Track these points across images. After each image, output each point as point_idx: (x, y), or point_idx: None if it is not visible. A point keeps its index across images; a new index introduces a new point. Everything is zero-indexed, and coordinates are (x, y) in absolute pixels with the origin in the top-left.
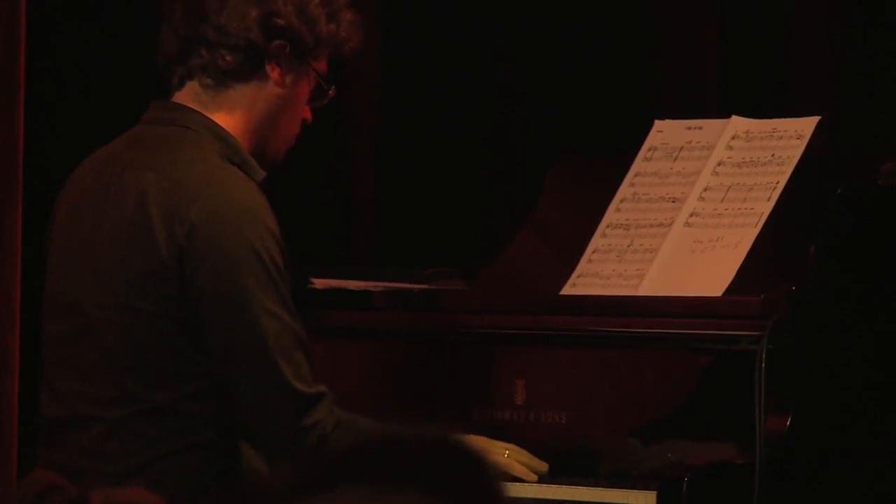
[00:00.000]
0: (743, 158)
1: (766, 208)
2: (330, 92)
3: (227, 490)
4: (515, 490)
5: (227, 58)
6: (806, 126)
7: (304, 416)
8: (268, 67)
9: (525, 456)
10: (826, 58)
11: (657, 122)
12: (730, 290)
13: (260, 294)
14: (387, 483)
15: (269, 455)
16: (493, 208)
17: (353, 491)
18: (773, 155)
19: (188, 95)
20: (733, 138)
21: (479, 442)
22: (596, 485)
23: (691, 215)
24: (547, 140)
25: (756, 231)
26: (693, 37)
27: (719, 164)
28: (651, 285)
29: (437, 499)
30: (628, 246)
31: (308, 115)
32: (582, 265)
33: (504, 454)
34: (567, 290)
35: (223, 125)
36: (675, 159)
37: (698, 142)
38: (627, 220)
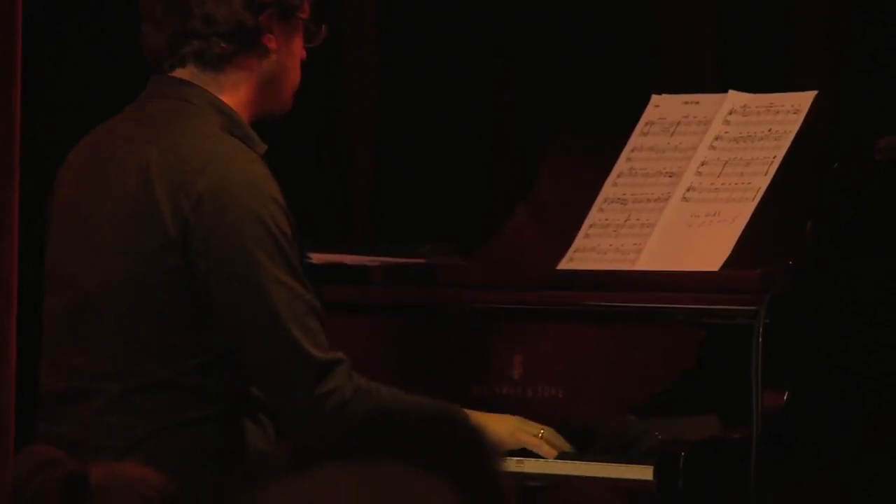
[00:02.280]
0: (740, 133)
1: (763, 183)
2: (321, 31)
3: (227, 465)
4: (512, 465)
5: (223, 45)
6: (803, 101)
7: (322, 383)
8: (264, 40)
9: (558, 439)
10: (825, 50)
11: (654, 97)
12: (727, 264)
13: (269, 264)
14: (375, 458)
15: (288, 424)
16: (490, 184)
17: (337, 468)
18: (770, 130)
19: (185, 74)
20: (730, 113)
21: (517, 421)
22: (593, 459)
23: (688, 190)
24: (544, 117)
25: (753, 206)
26: (692, 34)
27: (716, 138)
28: (648, 260)
29: (432, 475)
30: (625, 220)
31: (304, 54)
32: (579, 240)
33: (539, 433)
34: (564, 264)
35: (225, 99)
36: (672, 134)
37: (695, 116)
38: (624, 194)
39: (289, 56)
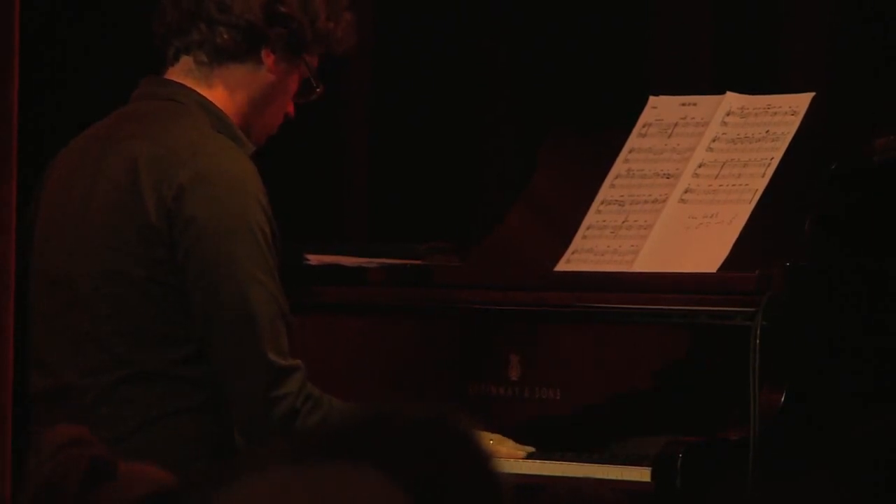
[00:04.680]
0: (738, 134)
1: (761, 184)
2: (318, 89)
3: (219, 453)
4: (508, 466)
5: (225, 35)
6: (800, 102)
7: (274, 388)
8: (263, 53)
9: (510, 444)
10: (822, 50)
11: (652, 99)
12: (724, 266)
13: (247, 261)
14: (327, 462)
15: (240, 422)
16: (486, 183)
17: (285, 472)
18: (767, 131)
19: (181, 71)
20: (728, 114)
21: None
22: (590, 461)
23: (686, 191)
24: (539, 116)
25: (751, 207)
26: (687, 33)
27: (714, 140)
28: (645, 261)
29: (387, 478)
30: (623, 222)
31: (291, 109)
32: (576, 241)
33: (488, 443)
34: (562, 266)
35: (216, 101)
36: (670, 135)
37: (693, 118)
38: (622, 196)
39: (282, 89)
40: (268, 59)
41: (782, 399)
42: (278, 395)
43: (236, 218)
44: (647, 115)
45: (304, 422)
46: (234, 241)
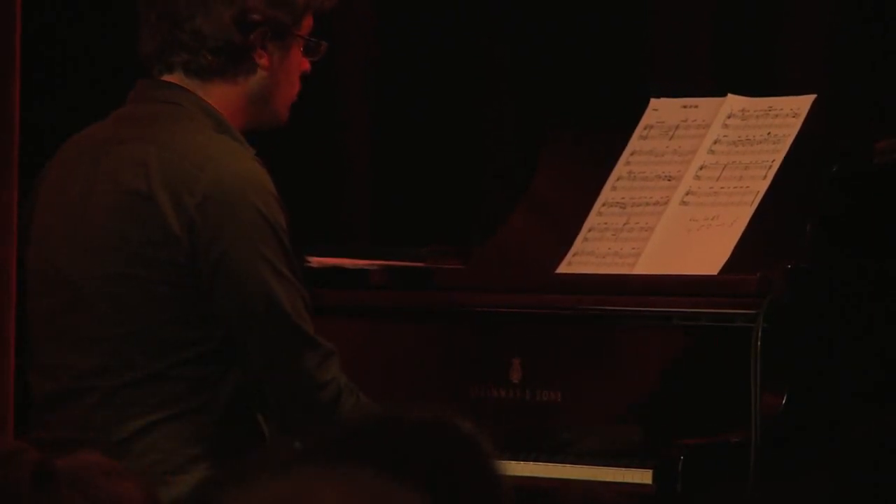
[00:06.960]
0: (739, 137)
1: (762, 186)
2: (321, 47)
3: (222, 456)
4: (511, 469)
5: (209, 58)
6: (802, 104)
7: (322, 370)
8: (255, 56)
9: None
10: (821, 52)
11: (653, 101)
12: (725, 268)
13: (272, 259)
14: (355, 463)
15: (287, 412)
16: (488, 184)
17: (317, 471)
18: (768, 133)
19: (175, 77)
20: (729, 117)
21: None
22: (592, 463)
23: (687, 194)
24: (538, 113)
25: (752, 209)
26: (686, 33)
27: (715, 142)
28: (647, 264)
29: (411, 482)
30: (624, 224)
31: (307, 66)
32: (578, 244)
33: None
34: (563, 268)
35: (214, 105)
36: (671, 138)
37: (694, 120)
38: (623, 198)
39: (283, 72)
40: (261, 59)
41: (783, 401)
42: (326, 378)
43: (260, 221)
44: (648, 118)
45: (342, 405)
46: (261, 244)
